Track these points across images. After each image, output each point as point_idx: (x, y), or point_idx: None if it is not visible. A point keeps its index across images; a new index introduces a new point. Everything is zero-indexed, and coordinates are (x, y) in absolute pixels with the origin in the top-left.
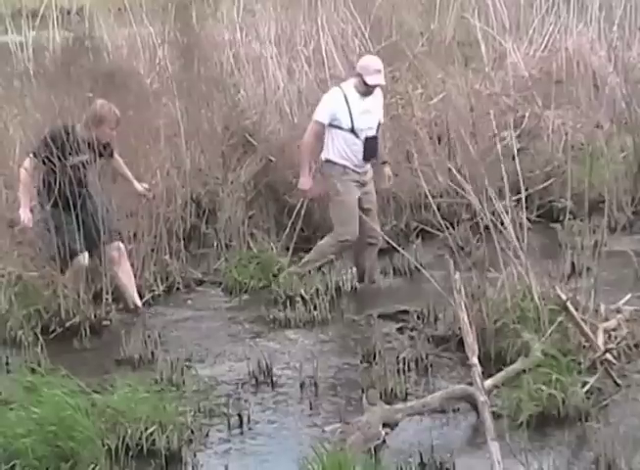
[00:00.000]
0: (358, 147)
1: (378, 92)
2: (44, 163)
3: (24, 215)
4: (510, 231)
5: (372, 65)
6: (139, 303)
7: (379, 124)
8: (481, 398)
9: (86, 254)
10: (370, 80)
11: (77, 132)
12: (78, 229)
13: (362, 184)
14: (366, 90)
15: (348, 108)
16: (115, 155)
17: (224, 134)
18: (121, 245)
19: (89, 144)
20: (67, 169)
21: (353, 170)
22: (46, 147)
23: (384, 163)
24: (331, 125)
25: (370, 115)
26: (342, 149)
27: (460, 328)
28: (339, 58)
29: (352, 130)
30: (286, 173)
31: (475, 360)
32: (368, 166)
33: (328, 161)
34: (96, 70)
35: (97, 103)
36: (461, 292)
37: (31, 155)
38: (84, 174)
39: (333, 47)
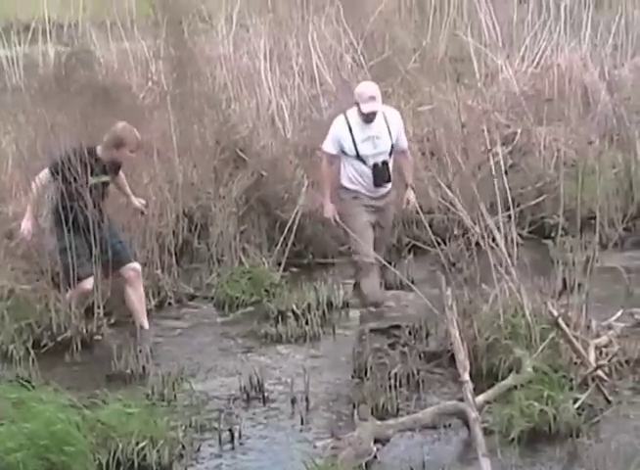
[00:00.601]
0: (367, 173)
1: (393, 116)
2: (54, 176)
3: (25, 227)
4: (501, 247)
5: (366, 92)
6: (146, 325)
7: (392, 148)
8: (473, 414)
9: (92, 278)
10: (364, 108)
11: (98, 153)
12: (90, 251)
13: (377, 209)
14: (366, 117)
15: (351, 135)
16: (120, 172)
17: (216, 149)
18: (138, 266)
19: (108, 166)
20: (84, 189)
21: (365, 195)
22: (64, 164)
23: (407, 186)
24: (342, 152)
25: (377, 140)
26: (352, 175)
27: (451, 344)
28: (331, 73)
29: (358, 157)
30: (277, 188)
31: (466, 377)
32: (384, 191)
33: (342, 186)
34: (90, 85)
35: (117, 125)
36: (453, 308)
37: (47, 169)
38: (102, 196)
39: (324, 63)
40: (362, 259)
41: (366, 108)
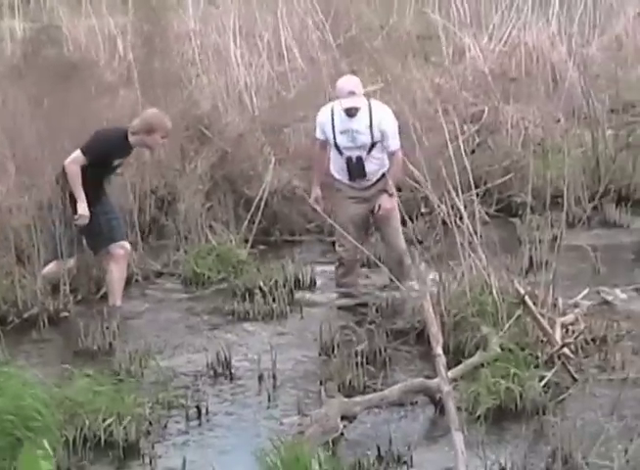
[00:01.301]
0: (343, 165)
1: (380, 113)
2: (90, 161)
3: (85, 211)
4: (467, 225)
5: (345, 87)
6: (119, 303)
7: (372, 146)
8: (446, 387)
9: (75, 258)
10: (343, 103)
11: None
12: (92, 229)
13: (366, 199)
14: (347, 111)
15: (332, 124)
16: None
17: (181, 125)
18: (128, 246)
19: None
20: (106, 171)
21: (348, 186)
22: (98, 146)
23: (385, 191)
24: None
25: (356, 134)
26: (334, 163)
27: (418, 321)
28: (298, 51)
29: (336, 146)
30: (243, 165)
31: (439, 350)
32: (367, 183)
33: (328, 173)
34: (57, 62)
35: (148, 112)
36: (426, 282)
37: (79, 152)
38: (111, 176)
39: (292, 40)
40: (343, 254)
41: (345, 103)
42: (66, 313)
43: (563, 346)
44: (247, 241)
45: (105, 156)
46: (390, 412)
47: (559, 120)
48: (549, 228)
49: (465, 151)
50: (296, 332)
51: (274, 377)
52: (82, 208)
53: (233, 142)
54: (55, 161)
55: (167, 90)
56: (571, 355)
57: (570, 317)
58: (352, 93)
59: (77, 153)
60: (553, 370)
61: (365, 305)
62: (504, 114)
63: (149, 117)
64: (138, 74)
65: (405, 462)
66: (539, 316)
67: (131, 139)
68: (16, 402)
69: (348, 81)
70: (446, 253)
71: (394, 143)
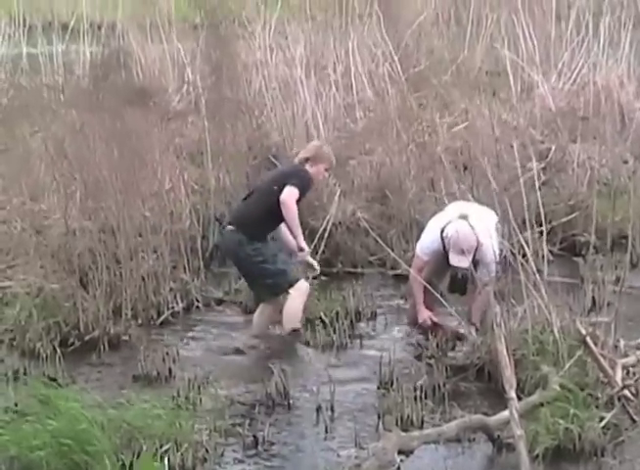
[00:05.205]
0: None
1: (482, 250)
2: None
3: (306, 246)
4: (531, 263)
5: (459, 243)
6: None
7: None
8: (518, 431)
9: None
10: (451, 259)
11: None
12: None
13: None
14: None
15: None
16: None
17: (248, 155)
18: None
19: None
20: None
21: None
22: (307, 183)
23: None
24: None
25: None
26: None
27: (479, 357)
28: (367, 83)
29: None
30: (308, 196)
31: (512, 394)
32: None
33: None
34: (126, 87)
35: (314, 143)
36: (501, 325)
37: (294, 187)
38: None
39: (362, 71)
40: None
41: (453, 260)
42: (126, 337)
43: (623, 387)
44: None
45: (307, 193)
46: (448, 448)
47: (623, 161)
48: (612, 269)
49: (530, 188)
50: (355, 364)
51: (332, 409)
52: (304, 243)
53: None
54: (121, 185)
55: (235, 118)
56: (632, 397)
57: (631, 359)
58: (463, 253)
59: (292, 188)
60: (613, 412)
61: (426, 339)
62: (570, 153)
63: (315, 148)
64: (206, 102)
65: None
66: (600, 357)
67: None
68: (73, 426)
69: (465, 239)
70: (509, 290)
71: (483, 273)
